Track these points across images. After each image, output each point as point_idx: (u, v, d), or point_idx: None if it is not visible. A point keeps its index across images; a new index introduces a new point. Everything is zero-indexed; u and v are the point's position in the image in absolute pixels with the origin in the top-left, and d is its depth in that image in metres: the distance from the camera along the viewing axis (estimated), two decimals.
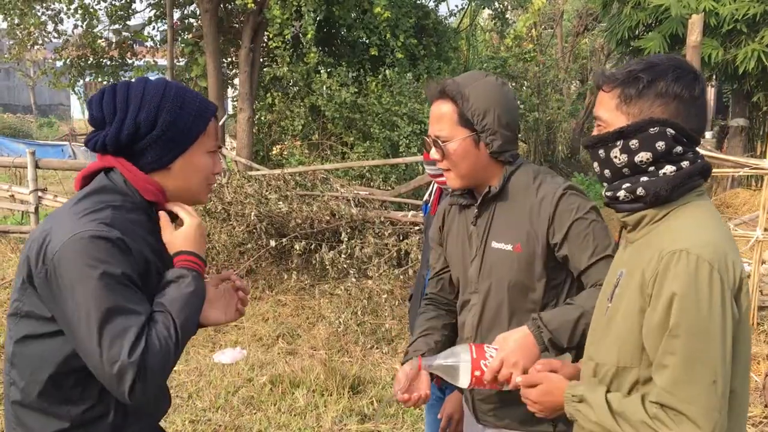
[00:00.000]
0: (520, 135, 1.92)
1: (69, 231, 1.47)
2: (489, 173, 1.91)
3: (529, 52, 14.34)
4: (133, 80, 1.65)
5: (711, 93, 15.62)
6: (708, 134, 12.81)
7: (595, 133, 1.53)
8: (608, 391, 1.48)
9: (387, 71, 10.07)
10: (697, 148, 1.49)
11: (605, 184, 1.52)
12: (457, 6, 15.11)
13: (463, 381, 1.79)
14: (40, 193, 8.19)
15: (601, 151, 1.49)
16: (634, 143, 1.43)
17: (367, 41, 10.78)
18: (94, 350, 1.42)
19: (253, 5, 9.13)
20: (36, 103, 32.12)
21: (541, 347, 1.77)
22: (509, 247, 1.86)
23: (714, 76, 10.22)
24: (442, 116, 1.89)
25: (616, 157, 1.46)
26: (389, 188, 7.87)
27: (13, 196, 8.50)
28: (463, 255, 1.99)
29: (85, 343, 1.43)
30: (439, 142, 1.88)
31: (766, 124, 11.25)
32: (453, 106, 1.86)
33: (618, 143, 1.45)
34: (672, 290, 1.32)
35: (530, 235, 1.84)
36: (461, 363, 1.79)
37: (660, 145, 1.41)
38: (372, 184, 8.39)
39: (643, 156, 1.43)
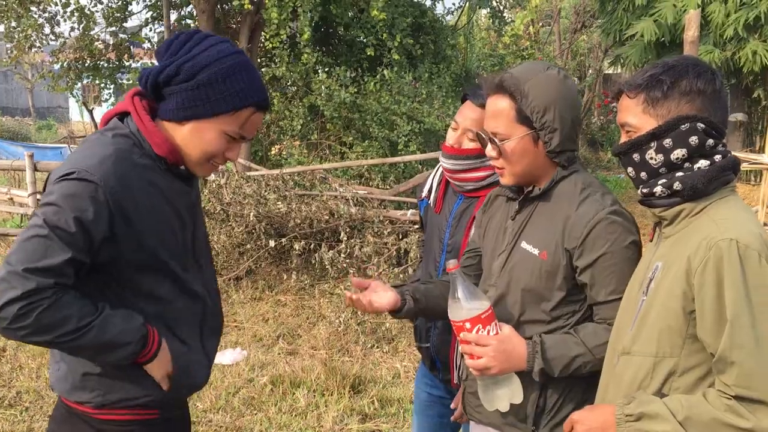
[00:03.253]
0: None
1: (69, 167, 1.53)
2: (543, 172, 1.82)
3: (527, 50, 14.33)
4: (213, 35, 1.65)
5: None
6: None
7: (624, 140, 1.55)
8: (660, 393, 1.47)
9: (385, 71, 10.07)
10: None
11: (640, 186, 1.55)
12: (454, 4, 15.08)
13: (455, 314, 1.74)
14: (38, 196, 8.17)
15: (636, 155, 1.52)
16: (668, 142, 1.47)
17: (364, 41, 10.78)
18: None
19: (249, 6, 9.12)
20: (34, 105, 32.12)
21: (527, 368, 1.74)
22: (536, 252, 1.79)
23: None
24: (499, 113, 1.78)
25: (651, 158, 1.50)
26: (388, 187, 7.86)
27: (11, 199, 8.49)
28: (494, 245, 1.92)
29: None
30: (496, 140, 1.79)
31: (765, 119, 11.25)
32: (511, 102, 1.76)
33: (652, 144, 1.49)
34: (726, 279, 1.35)
35: (558, 246, 1.76)
36: (471, 303, 1.72)
37: (693, 140, 1.46)
38: (371, 183, 8.38)
39: (678, 153, 1.47)
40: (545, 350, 1.73)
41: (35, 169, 8.14)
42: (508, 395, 1.79)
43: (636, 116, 1.52)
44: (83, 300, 1.54)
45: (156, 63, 1.66)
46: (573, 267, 1.75)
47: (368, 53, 10.36)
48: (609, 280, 1.72)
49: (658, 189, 1.50)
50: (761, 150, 6.93)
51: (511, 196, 1.92)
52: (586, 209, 1.74)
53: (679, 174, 1.48)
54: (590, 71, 17.87)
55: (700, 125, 1.46)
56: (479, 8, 13.85)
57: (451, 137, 2.21)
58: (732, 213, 1.44)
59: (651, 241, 1.65)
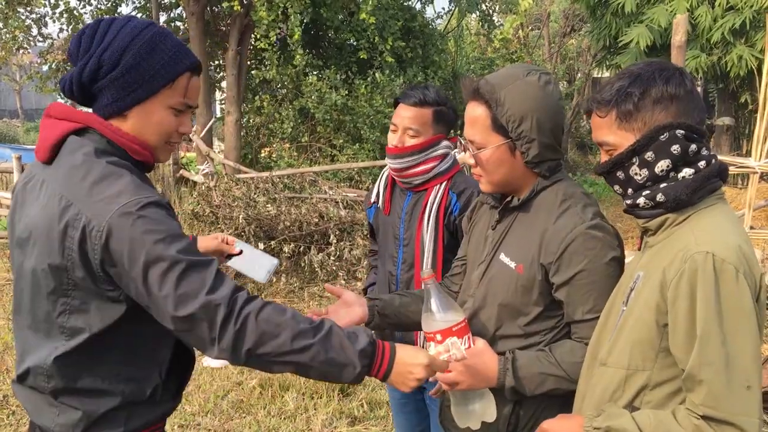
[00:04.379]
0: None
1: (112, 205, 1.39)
2: (523, 182, 1.74)
3: (516, 53, 14.39)
4: (119, 17, 1.54)
5: None
6: None
7: (604, 159, 1.50)
8: (627, 408, 1.44)
9: (376, 74, 10.08)
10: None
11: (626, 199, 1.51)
12: (443, 8, 15.11)
13: (427, 325, 1.69)
14: None
15: (620, 173, 1.47)
16: (649, 155, 1.42)
17: (355, 44, 10.79)
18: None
19: (239, 8, 9.11)
20: (22, 107, 31.88)
21: (498, 385, 1.68)
22: (513, 265, 1.71)
23: (701, 76, 10.34)
24: (475, 120, 1.71)
25: (636, 174, 1.44)
26: None
27: None
28: (475, 255, 1.87)
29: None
30: (472, 148, 1.73)
31: (752, 122, 11.34)
32: (487, 110, 1.68)
33: (634, 160, 1.44)
34: (699, 294, 1.30)
35: (534, 260, 1.67)
36: (444, 315, 1.67)
37: (675, 149, 1.40)
38: (361, 186, 8.39)
39: (662, 164, 1.41)
40: (517, 368, 1.66)
41: (22, 171, 8.08)
42: (479, 412, 1.74)
43: (612, 134, 1.46)
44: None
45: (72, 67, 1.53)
46: (549, 283, 1.67)
47: (360, 56, 10.37)
48: (586, 298, 1.63)
49: (641, 200, 1.45)
50: (748, 154, 6.98)
51: (493, 205, 1.86)
52: (564, 222, 1.65)
53: (663, 185, 1.42)
54: (579, 75, 17.97)
55: (680, 132, 1.40)
56: (468, 13, 13.89)
57: (393, 138, 2.32)
58: (715, 223, 1.39)
59: (639, 249, 1.60)
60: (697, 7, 9.11)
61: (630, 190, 1.47)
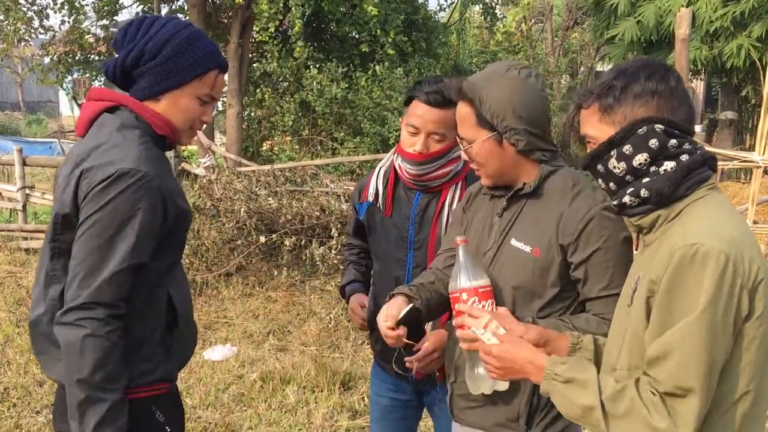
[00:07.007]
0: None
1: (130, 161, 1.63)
2: (520, 171, 1.81)
3: (519, 45, 14.35)
4: (163, 16, 1.80)
5: (700, 86, 15.67)
6: (698, 127, 12.87)
7: (588, 152, 1.51)
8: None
9: (377, 67, 10.05)
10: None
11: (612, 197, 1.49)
12: (446, 0, 15.03)
13: (453, 285, 1.74)
14: (27, 191, 8.13)
15: (600, 166, 1.47)
16: (627, 148, 1.42)
17: (356, 36, 10.76)
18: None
19: (241, 0, 9.08)
20: (24, 100, 31.87)
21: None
22: (528, 249, 1.77)
23: (703, 70, 10.32)
24: (462, 118, 1.82)
25: (615, 167, 1.44)
26: None
27: (0, 193, 8.43)
28: (479, 244, 1.89)
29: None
30: (463, 144, 1.84)
31: (755, 117, 11.30)
32: (471, 108, 1.78)
33: (612, 153, 1.44)
34: (681, 285, 1.29)
35: (552, 243, 1.74)
36: (471, 276, 1.72)
37: (653, 143, 1.40)
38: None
39: (640, 158, 1.41)
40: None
41: (24, 163, 8.09)
42: (487, 377, 1.74)
43: (593, 127, 1.48)
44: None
45: (116, 55, 1.77)
46: (568, 263, 1.74)
47: (362, 49, 10.34)
48: (602, 275, 1.70)
49: (626, 199, 1.44)
50: (751, 148, 6.96)
51: (495, 194, 1.90)
52: (579, 205, 1.73)
53: (646, 180, 1.42)
54: (582, 68, 17.92)
55: (659, 126, 1.40)
56: (471, 4, 13.84)
57: (413, 142, 2.13)
58: (706, 214, 1.38)
59: (636, 250, 1.60)
60: (696, 1, 9.09)
61: (612, 185, 1.47)
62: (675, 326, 1.30)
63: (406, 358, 2.10)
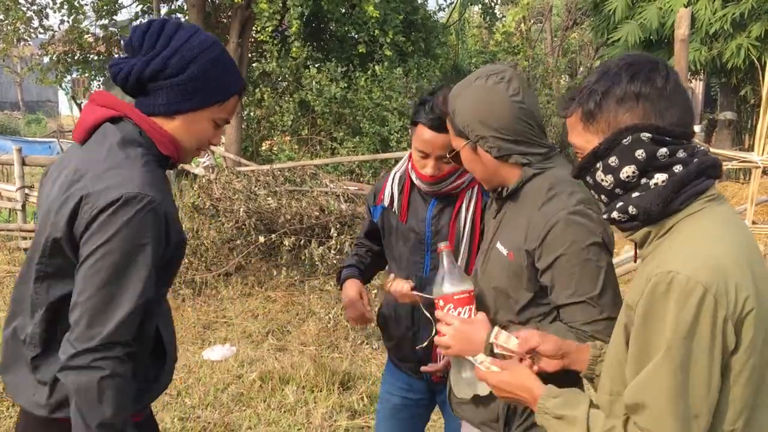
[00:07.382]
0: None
1: (130, 186, 1.48)
2: (504, 175, 1.80)
3: (518, 46, 14.35)
4: (184, 23, 1.63)
5: (699, 87, 15.68)
6: (697, 128, 12.92)
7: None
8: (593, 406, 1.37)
9: (376, 67, 10.05)
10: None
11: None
12: (446, 0, 15.01)
13: (434, 291, 1.80)
14: (26, 191, 8.12)
15: (588, 178, 1.37)
16: (613, 160, 1.30)
17: (356, 36, 10.76)
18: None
19: (240, 0, 9.08)
20: (23, 99, 31.88)
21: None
22: (505, 252, 1.77)
23: (702, 70, 10.33)
24: (449, 129, 1.87)
25: (602, 180, 1.33)
26: None
27: None
28: (482, 243, 1.96)
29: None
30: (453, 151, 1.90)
31: (754, 117, 11.31)
32: (451, 119, 1.83)
33: (598, 165, 1.32)
34: (655, 317, 1.19)
35: (520, 247, 1.73)
36: (449, 283, 1.77)
37: (640, 153, 1.27)
38: (362, 179, 8.38)
39: (627, 171, 1.29)
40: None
41: (23, 163, 8.08)
42: (471, 382, 1.77)
43: (579, 135, 1.35)
44: None
45: (124, 55, 1.62)
46: (536, 268, 1.71)
47: (360, 50, 10.34)
48: (568, 282, 1.65)
49: (615, 214, 1.32)
50: (750, 148, 6.96)
51: (495, 196, 1.93)
52: (547, 209, 1.69)
53: (635, 195, 1.29)
54: (581, 68, 17.92)
55: (645, 135, 1.26)
56: (470, 5, 13.84)
57: (425, 164, 2.17)
58: (695, 234, 1.25)
59: (635, 262, 1.49)
60: (696, 2, 9.11)
61: (603, 197, 1.36)
62: (648, 366, 1.21)
63: (424, 368, 2.23)
